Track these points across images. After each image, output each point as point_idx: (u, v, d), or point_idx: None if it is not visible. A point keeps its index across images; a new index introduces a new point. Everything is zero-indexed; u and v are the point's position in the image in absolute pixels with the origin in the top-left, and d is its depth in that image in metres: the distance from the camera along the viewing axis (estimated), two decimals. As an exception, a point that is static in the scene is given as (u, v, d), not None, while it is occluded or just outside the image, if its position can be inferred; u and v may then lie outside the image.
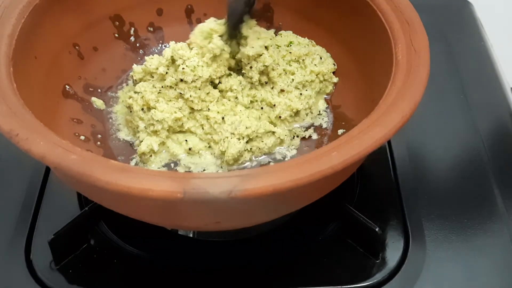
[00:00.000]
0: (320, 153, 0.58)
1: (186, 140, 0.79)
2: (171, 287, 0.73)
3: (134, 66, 0.84)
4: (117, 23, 0.89)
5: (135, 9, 0.89)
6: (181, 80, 0.79)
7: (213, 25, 0.80)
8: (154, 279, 0.73)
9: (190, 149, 0.79)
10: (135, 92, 0.81)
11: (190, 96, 0.79)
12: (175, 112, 0.79)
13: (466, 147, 0.87)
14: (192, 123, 0.80)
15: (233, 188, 0.53)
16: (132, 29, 0.90)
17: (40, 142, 0.57)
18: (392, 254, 0.74)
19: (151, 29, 0.92)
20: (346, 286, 0.72)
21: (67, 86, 0.81)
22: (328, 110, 0.85)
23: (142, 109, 0.79)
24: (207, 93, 0.80)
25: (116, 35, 0.89)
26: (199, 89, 0.79)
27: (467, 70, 0.98)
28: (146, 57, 0.83)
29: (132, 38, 0.91)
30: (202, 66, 0.79)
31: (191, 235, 0.78)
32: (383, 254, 0.74)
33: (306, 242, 0.76)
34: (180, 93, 0.79)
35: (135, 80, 0.84)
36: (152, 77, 0.82)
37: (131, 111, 0.81)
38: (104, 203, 0.65)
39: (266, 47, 0.82)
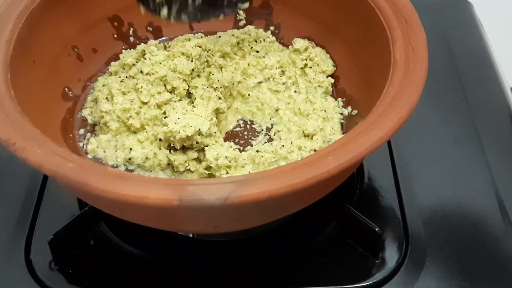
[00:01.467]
0: (316, 158, 0.58)
1: (130, 149, 0.78)
2: (171, 286, 0.73)
3: (113, 62, 0.86)
4: (116, 23, 0.89)
5: (133, 9, 0.87)
6: (141, 72, 0.80)
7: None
8: (154, 279, 0.73)
9: (129, 159, 0.78)
10: (103, 85, 0.83)
11: (141, 87, 0.79)
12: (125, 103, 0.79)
13: (465, 147, 0.87)
14: (139, 121, 0.79)
15: (229, 195, 0.54)
16: (131, 29, 0.90)
17: (37, 151, 0.58)
18: (392, 254, 0.74)
19: (150, 29, 0.92)
20: (345, 286, 0.72)
21: (66, 88, 0.81)
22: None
23: (107, 98, 0.80)
24: (159, 92, 0.80)
25: (115, 35, 0.89)
26: (152, 84, 0.79)
27: (467, 70, 0.97)
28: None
29: (132, 39, 0.90)
30: (163, 65, 0.80)
31: (191, 235, 0.78)
32: (382, 254, 0.74)
33: (306, 242, 0.77)
34: (136, 84, 0.80)
35: (111, 73, 0.85)
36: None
37: (96, 103, 0.82)
38: (103, 208, 0.66)
39: None
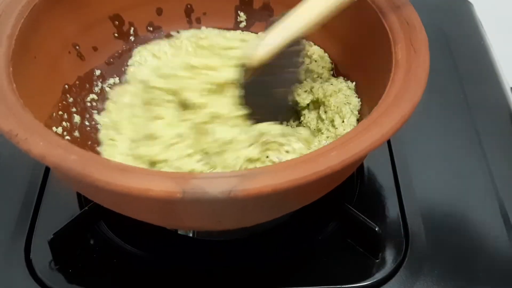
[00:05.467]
0: (319, 153, 0.58)
1: None
2: (171, 286, 0.73)
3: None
4: (117, 22, 0.88)
5: (134, 9, 0.88)
6: None
7: None
8: (154, 279, 0.73)
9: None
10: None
11: None
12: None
13: (466, 144, 0.87)
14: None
15: (233, 188, 0.54)
16: (132, 28, 0.90)
17: (40, 143, 0.57)
18: (392, 254, 0.74)
19: (151, 29, 0.91)
20: (345, 286, 0.72)
21: (66, 86, 0.81)
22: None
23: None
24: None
25: (116, 34, 0.89)
26: None
27: (467, 69, 0.98)
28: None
29: (132, 38, 0.90)
30: None
31: (190, 235, 0.78)
32: (382, 253, 0.74)
33: (305, 241, 0.77)
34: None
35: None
36: None
37: None
38: (105, 203, 0.65)
39: None
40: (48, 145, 0.57)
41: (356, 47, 0.82)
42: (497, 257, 0.75)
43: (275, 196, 0.55)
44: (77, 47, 0.84)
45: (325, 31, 0.86)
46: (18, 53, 0.70)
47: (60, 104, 0.79)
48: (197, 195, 0.54)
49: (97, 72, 0.86)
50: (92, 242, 0.77)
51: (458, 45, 1.02)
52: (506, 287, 0.72)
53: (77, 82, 0.83)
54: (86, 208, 0.76)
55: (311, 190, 0.65)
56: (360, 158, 0.59)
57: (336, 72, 0.87)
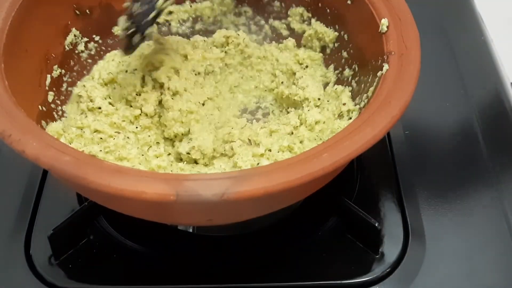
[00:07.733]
0: (311, 154, 0.58)
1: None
2: (171, 281, 0.73)
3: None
4: (109, 11, 0.86)
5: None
6: None
7: None
8: (153, 274, 0.73)
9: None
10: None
11: None
12: None
13: (466, 142, 0.86)
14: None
15: (225, 191, 0.54)
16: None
17: (33, 143, 0.57)
18: (392, 249, 0.74)
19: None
20: (345, 281, 0.72)
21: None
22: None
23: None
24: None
25: (108, 24, 0.86)
26: None
27: (467, 65, 0.97)
28: None
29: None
30: None
31: (190, 230, 0.78)
32: (382, 249, 0.74)
33: (306, 237, 0.76)
34: None
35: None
36: None
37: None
38: (99, 201, 0.66)
39: None
40: (41, 146, 0.57)
41: (349, 43, 0.82)
42: (498, 251, 0.74)
43: (267, 197, 0.56)
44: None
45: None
46: (10, 47, 0.70)
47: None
48: (190, 198, 0.54)
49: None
50: (91, 237, 0.77)
51: (459, 40, 1.01)
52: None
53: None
54: (86, 203, 0.76)
55: (303, 189, 0.65)
56: (351, 159, 0.59)
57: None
